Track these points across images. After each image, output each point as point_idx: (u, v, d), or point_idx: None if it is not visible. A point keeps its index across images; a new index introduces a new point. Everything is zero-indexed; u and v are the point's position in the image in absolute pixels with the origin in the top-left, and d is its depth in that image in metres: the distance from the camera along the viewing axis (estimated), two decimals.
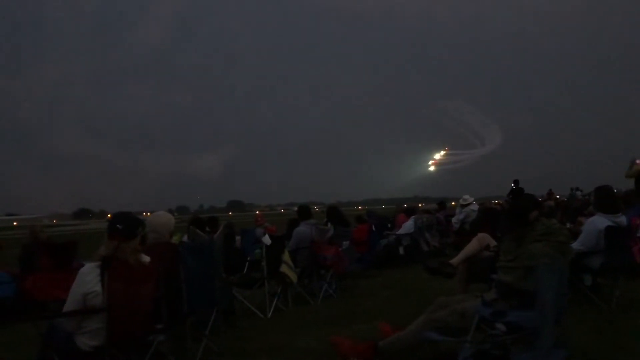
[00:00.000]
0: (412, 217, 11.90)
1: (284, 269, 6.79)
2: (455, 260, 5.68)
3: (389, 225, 12.53)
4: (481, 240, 5.73)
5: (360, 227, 10.75)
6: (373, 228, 10.64)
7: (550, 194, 25.71)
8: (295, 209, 8.93)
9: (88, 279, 3.54)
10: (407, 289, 7.89)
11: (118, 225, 3.66)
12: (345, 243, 8.70)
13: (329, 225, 8.30)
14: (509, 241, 3.93)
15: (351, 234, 9.39)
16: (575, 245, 5.59)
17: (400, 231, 11.56)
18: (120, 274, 3.57)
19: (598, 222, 5.77)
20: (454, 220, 13.98)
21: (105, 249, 3.65)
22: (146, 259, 3.84)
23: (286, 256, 6.93)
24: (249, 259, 7.88)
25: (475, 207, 14.07)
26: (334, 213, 9.28)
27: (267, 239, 6.87)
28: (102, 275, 3.52)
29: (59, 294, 6.25)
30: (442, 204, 16.14)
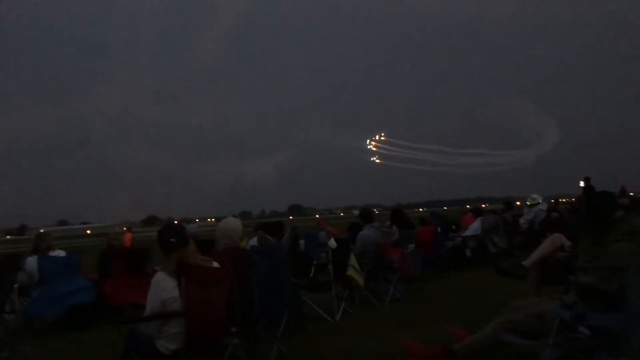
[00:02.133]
0: (479, 218, 11.64)
1: (350, 272, 6.79)
2: (527, 262, 5.51)
3: (454, 226, 12.31)
4: (555, 240, 5.54)
5: (425, 229, 10.61)
6: (438, 230, 10.48)
7: (623, 191, 24.44)
8: (355, 212, 8.96)
9: (163, 285, 3.67)
10: (476, 292, 7.73)
11: (172, 239, 3.78)
12: (411, 246, 8.61)
13: (394, 227, 8.25)
14: (587, 241, 3.78)
15: (416, 236, 9.28)
16: None
17: (467, 232, 11.33)
18: (196, 279, 3.69)
19: None
20: (522, 220, 13.59)
21: (170, 261, 3.75)
22: (214, 264, 3.95)
23: (352, 260, 6.93)
24: (315, 262, 7.92)
25: (543, 206, 13.64)
26: (398, 215, 9.21)
27: (332, 243, 6.89)
28: (179, 281, 3.66)
29: (135, 298, 6.51)
30: (509, 204, 15.70)
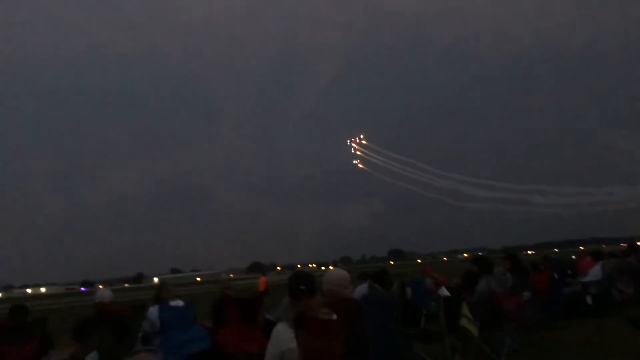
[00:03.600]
0: (599, 262, 10.82)
1: (464, 322, 6.52)
2: None
3: (569, 271, 11.53)
4: None
5: (541, 275, 10.01)
6: (555, 275, 9.85)
7: None
8: (459, 256, 8.60)
9: (283, 337, 3.73)
10: (604, 344, 7.14)
11: (301, 287, 3.85)
12: (526, 293, 8.14)
13: (508, 274, 7.86)
14: None
15: (531, 283, 8.77)
16: None
17: (586, 278, 10.57)
18: (313, 330, 3.72)
19: None
20: None
21: (294, 309, 3.82)
22: (332, 315, 3.96)
23: (465, 309, 6.66)
24: (424, 312, 7.70)
25: None
26: (513, 261, 8.75)
27: (444, 291, 6.69)
28: (297, 333, 3.70)
29: (247, 347, 6.66)
30: (633, 246, 14.43)
